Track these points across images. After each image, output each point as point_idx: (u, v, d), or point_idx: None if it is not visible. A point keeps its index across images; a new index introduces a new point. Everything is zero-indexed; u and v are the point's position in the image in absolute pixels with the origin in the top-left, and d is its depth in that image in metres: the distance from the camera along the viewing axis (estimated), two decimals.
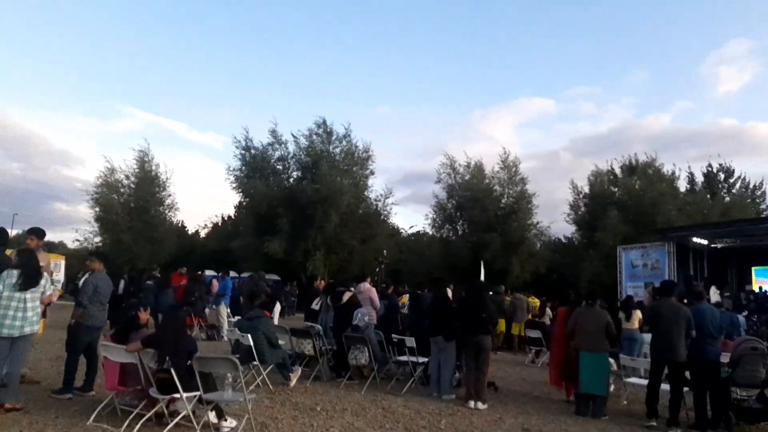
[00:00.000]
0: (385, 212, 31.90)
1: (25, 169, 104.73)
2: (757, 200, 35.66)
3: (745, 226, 21.44)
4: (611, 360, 7.80)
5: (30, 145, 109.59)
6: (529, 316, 14.66)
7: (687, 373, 6.89)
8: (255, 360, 7.41)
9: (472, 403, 7.28)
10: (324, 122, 30.20)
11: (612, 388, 8.19)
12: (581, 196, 32.40)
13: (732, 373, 6.78)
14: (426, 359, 8.33)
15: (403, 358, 8.60)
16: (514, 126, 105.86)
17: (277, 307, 13.76)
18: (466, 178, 32.20)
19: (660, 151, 57.82)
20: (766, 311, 16.53)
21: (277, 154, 30.98)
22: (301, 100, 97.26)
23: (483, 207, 30.51)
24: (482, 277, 17.37)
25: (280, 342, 8.24)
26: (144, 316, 6.22)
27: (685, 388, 6.88)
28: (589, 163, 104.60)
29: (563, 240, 35.84)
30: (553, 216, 62.80)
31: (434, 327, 8.07)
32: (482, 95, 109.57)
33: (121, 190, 30.39)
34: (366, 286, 10.21)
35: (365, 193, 31.16)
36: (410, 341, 8.39)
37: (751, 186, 36.36)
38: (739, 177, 36.54)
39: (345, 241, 29.11)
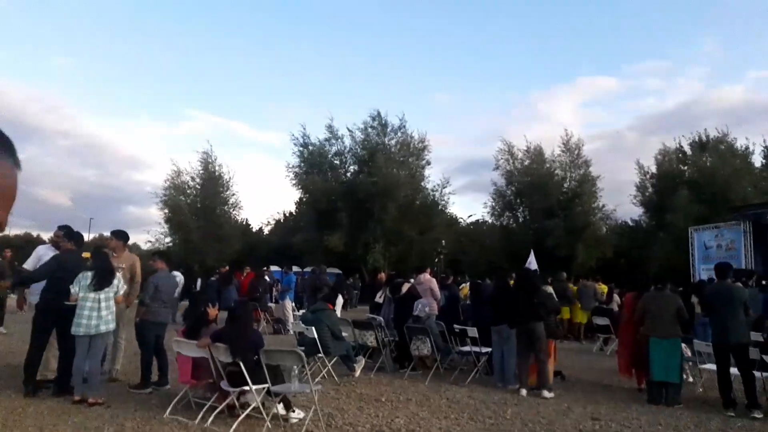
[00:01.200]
0: (443, 202, 31.76)
1: (100, 176, 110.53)
2: None
3: None
4: (684, 346, 7.51)
5: (103, 152, 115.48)
6: (596, 303, 14.26)
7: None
8: (320, 352, 7.56)
9: (524, 392, 7.22)
10: (378, 114, 30.31)
11: (689, 376, 7.87)
12: (648, 176, 31.16)
13: None
14: (489, 349, 8.26)
15: (466, 348, 8.57)
16: (576, 106, 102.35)
17: (339, 300, 13.97)
18: (526, 163, 31.56)
19: (732, 126, 54.79)
20: None
21: (334, 149, 31.28)
22: (356, 91, 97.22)
23: (544, 192, 29.78)
24: (533, 265, 16.88)
25: (344, 334, 8.38)
26: (213, 312, 6.45)
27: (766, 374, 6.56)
28: (656, 141, 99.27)
29: (630, 223, 34.50)
30: (619, 199, 60.48)
31: (497, 316, 8.00)
32: (540, 76, 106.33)
33: (188, 191, 31.72)
34: (426, 276, 10.22)
35: (422, 183, 31.10)
36: (472, 331, 8.34)
37: None
38: None
39: (404, 233, 29.12)
